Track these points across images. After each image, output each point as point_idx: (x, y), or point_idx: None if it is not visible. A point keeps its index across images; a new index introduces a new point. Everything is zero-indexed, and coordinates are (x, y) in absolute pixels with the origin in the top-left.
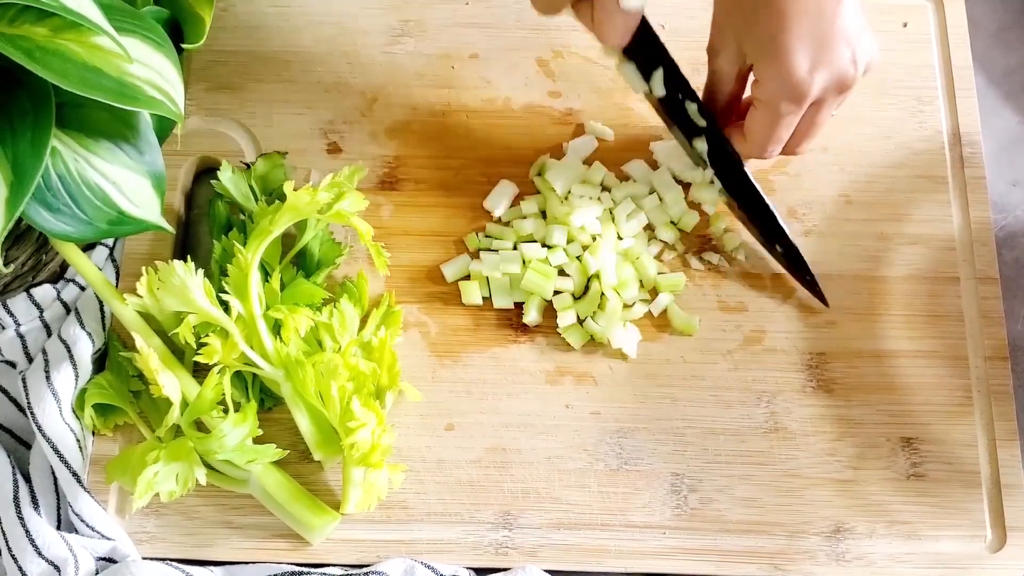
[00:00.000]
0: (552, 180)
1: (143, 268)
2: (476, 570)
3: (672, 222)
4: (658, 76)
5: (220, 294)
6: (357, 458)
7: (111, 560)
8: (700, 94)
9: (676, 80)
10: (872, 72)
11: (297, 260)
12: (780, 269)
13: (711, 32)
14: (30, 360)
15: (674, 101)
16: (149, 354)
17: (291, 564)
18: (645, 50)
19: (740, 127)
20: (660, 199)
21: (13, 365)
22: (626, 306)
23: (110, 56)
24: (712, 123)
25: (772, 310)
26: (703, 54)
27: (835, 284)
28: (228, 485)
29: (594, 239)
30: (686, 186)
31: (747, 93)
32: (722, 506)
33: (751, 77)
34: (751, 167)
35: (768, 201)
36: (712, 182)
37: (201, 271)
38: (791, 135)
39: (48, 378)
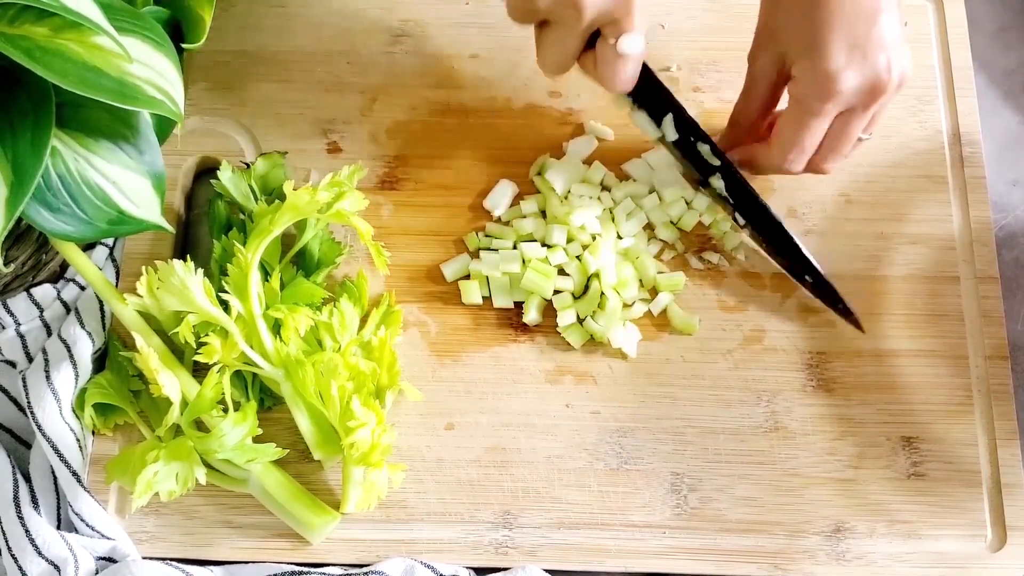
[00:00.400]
0: (552, 180)
1: (143, 268)
2: (476, 570)
3: (672, 222)
4: (668, 121)
5: (220, 294)
6: (357, 457)
7: (111, 560)
8: (701, 121)
9: (686, 123)
10: (904, 87)
11: (297, 260)
12: (780, 269)
13: (754, 38)
14: (30, 360)
15: (687, 143)
16: (149, 354)
17: (291, 564)
18: (653, 97)
19: (764, 144)
20: (660, 199)
21: (13, 365)
22: (626, 305)
23: (110, 56)
24: (725, 161)
25: (772, 310)
26: (703, 54)
27: (835, 284)
28: (228, 485)
29: (594, 238)
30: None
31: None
32: (722, 506)
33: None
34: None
35: (793, 233)
36: (735, 218)
37: (201, 271)
38: (819, 146)
39: (48, 378)
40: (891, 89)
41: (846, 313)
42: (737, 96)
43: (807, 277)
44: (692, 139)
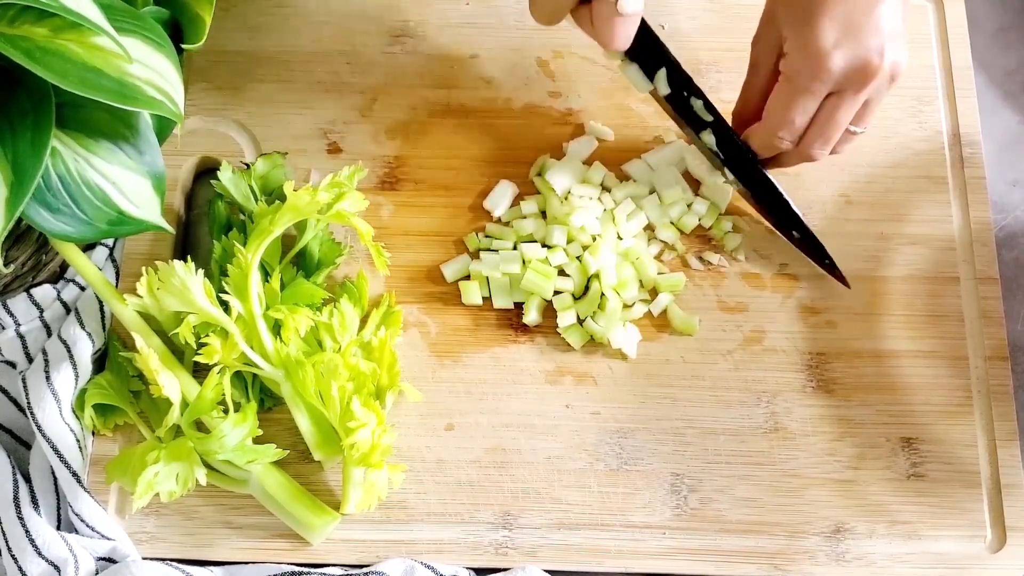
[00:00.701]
0: (552, 180)
1: (143, 268)
2: (476, 570)
3: (672, 222)
4: (662, 75)
5: (220, 294)
6: (357, 458)
7: (111, 560)
8: (704, 92)
9: (679, 78)
10: (898, 81)
11: (297, 260)
12: (780, 269)
13: (759, 23)
14: (30, 360)
15: (679, 98)
16: (149, 354)
17: (291, 564)
18: (647, 51)
19: (756, 124)
20: (660, 199)
21: (13, 365)
22: (626, 306)
23: (110, 56)
24: (718, 117)
25: (772, 310)
26: (703, 55)
27: (835, 284)
28: (228, 485)
29: (594, 239)
30: (693, 184)
31: None
32: (722, 506)
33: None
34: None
35: (781, 188)
36: (724, 174)
37: (201, 271)
38: (807, 129)
39: (48, 378)
40: (882, 76)
41: (832, 269)
42: (737, 97)
43: (794, 232)
44: (685, 94)
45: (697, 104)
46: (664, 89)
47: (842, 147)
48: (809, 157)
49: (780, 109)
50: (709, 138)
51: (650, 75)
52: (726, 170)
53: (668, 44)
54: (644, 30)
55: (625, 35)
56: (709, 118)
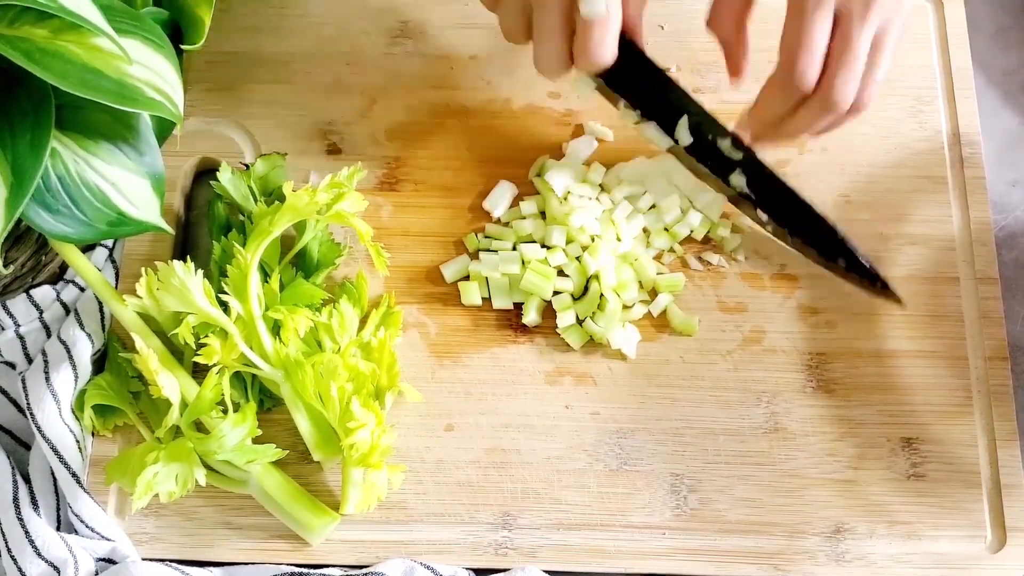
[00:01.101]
0: (551, 181)
1: (143, 269)
2: (476, 570)
3: (665, 228)
4: (683, 124)
5: (219, 295)
6: (356, 459)
7: (111, 561)
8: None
9: (703, 122)
10: (905, 6)
11: (296, 261)
12: (780, 269)
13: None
14: (30, 361)
15: (703, 144)
16: (148, 355)
17: (291, 565)
18: (664, 103)
19: (769, 90)
20: (654, 205)
21: (13, 366)
22: (625, 307)
23: (110, 57)
24: (748, 153)
25: (772, 310)
26: (703, 55)
27: (835, 284)
28: (227, 486)
29: (593, 240)
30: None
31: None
32: (722, 506)
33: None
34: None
35: (822, 213)
36: (757, 215)
37: (200, 272)
38: (829, 65)
39: (48, 379)
40: None
41: (884, 289)
42: (737, 99)
43: (841, 261)
44: (711, 137)
45: (724, 144)
46: (687, 139)
47: (866, 94)
48: (836, 103)
49: (794, 34)
50: (739, 179)
51: (671, 129)
52: (759, 211)
53: (668, 44)
54: (658, 80)
55: (595, 46)
56: (738, 156)
